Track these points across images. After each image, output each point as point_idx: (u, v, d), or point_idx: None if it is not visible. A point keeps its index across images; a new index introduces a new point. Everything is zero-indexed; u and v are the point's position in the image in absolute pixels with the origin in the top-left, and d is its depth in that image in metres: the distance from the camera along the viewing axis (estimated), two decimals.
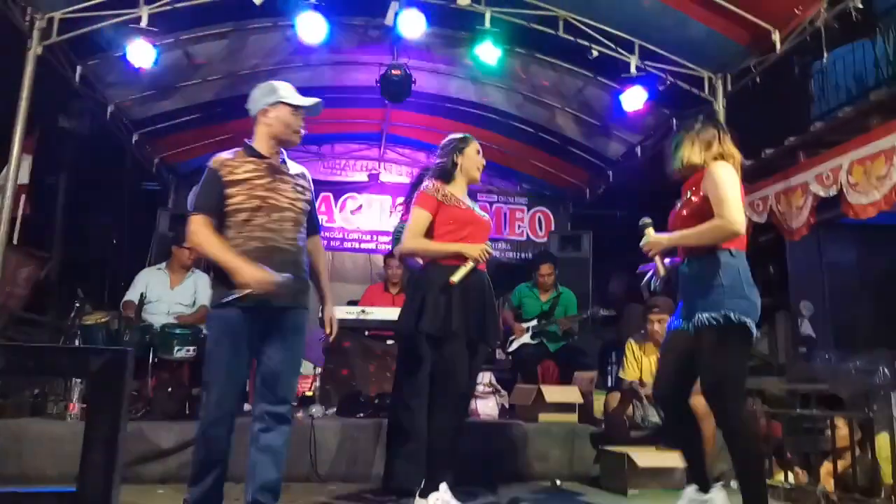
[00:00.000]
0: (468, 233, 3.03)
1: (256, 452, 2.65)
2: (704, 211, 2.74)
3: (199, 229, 2.62)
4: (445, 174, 3.15)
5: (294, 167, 2.85)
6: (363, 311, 5.26)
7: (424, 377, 3.30)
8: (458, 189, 3.14)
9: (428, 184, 3.15)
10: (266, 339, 2.67)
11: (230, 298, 2.53)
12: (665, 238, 2.92)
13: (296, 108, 2.75)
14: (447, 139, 3.26)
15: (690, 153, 2.90)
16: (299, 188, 2.79)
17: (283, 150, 2.80)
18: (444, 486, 2.90)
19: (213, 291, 2.69)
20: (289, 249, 2.69)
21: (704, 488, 2.91)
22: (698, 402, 3.99)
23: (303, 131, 2.79)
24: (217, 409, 2.60)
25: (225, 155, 2.72)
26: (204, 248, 2.63)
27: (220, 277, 2.62)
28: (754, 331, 2.70)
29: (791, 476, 4.27)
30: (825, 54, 4.65)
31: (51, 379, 4.50)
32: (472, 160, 3.17)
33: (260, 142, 2.75)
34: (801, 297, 7.20)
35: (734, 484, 4.28)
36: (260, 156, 2.73)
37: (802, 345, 7.02)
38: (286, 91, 2.77)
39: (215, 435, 2.62)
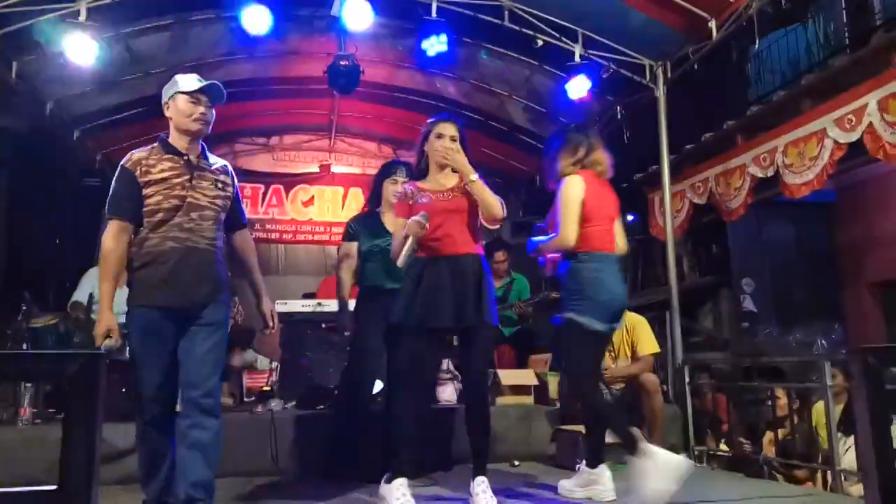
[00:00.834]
0: (439, 222, 3.00)
1: (186, 450, 2.60)
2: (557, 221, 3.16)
3: (107, 241, 2.62)
4: (416, 172, 3.24)
5: (215, 161, 2.83)
6: (319, 304, 5.27)
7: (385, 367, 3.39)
8: (432, 181, 3.14)
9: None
10: (186, 336, 2.65)
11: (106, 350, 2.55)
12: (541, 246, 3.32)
13: (190, 94, 2.70)
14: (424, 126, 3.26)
15: (562, 165, 3.25)
16: (220, 184, 2.77)
17: (202, 144, 2.78)
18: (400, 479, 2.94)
19: (131, 293, 2.66)
20: (207, 249, 2.69)
21: (592, 465, 3.23)
22: (647, 378, 4.18)
23: (205, 117, 2.73)
24: (151, 408, 2.62)
25: (139, 153, 2.68)
26: (101, 264, 2.64)
27: (139, 276, 2.64)
28: (597, 327, 3.07)
29: (734, 446, 4.50)
30: (758, 41, 4.84)
31: None
32: (432, 146, 3.13)
33: (173, 137, 2.73)
34: (743, 275, 7.51)
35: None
36: (177, 152, 2.70)
37: (745, 320, 7.33)
38: (183, 81, 2.74)
39: (155, 435, 2.66)
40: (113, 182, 2.68)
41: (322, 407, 4.53)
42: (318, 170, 8.33)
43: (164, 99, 2.76)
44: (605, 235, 3.19)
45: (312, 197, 8.21)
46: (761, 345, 6.78)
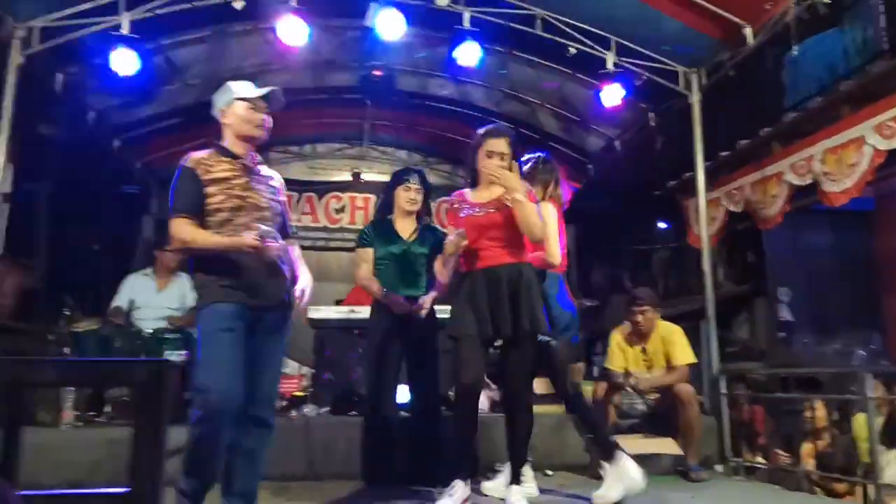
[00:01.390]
0: (474, 237, 3.14)
1: (236, 457, 2.56)
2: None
3: (183, 227, 2.57)
4: (469, 182, 3.39)
5: (266, 170, 2.86)
6: (352, 311, 5.31)
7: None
8: (479, 192, 3.25)
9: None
10: (252, 339, 2.61)
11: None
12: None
13: (251, 101, 2.73)
14: None
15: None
16: (273, 190, 2.81)
17: (254, 151, 2.81)
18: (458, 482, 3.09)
19: (201, 291, 2.64)
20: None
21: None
22: (682, 388, 4.13)
23: (266, 124, 2.77)
24: (220, 410, 2.43)
25: (199, 154, 2.69)
26: (195, 243, 2.58)
27: (209, 274, 2.60)
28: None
29: (770, 458, 4.42)
30: (795, 47, 4.78)
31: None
32: (482, 162, 3.19)
33: (231, 143, 2.75)
34: (779, 283, 7.36)
35: (719, 467, 4.44)
36: (233, 155, 2.72)
37: (781, 330, 7.19)
38: (240, 87, 2.76)
39: (215, 443, 2.47)
40: (175, 182, 2.65)
41: (355, 412, 4.57)
42: (349, 178, 8.41)
43: (220, 106, 2.76)
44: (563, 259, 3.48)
45: (344, 205, 8.29)
46: (798, 355, 6.65)
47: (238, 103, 2.72)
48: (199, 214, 2.61)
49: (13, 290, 5.42)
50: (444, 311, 3.72)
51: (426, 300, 3.72)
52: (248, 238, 2.53)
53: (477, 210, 3.18)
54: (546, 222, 3.24)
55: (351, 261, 8.10)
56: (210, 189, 2.62)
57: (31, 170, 6.46)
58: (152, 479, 0.76)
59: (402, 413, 3.96)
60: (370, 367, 3.86)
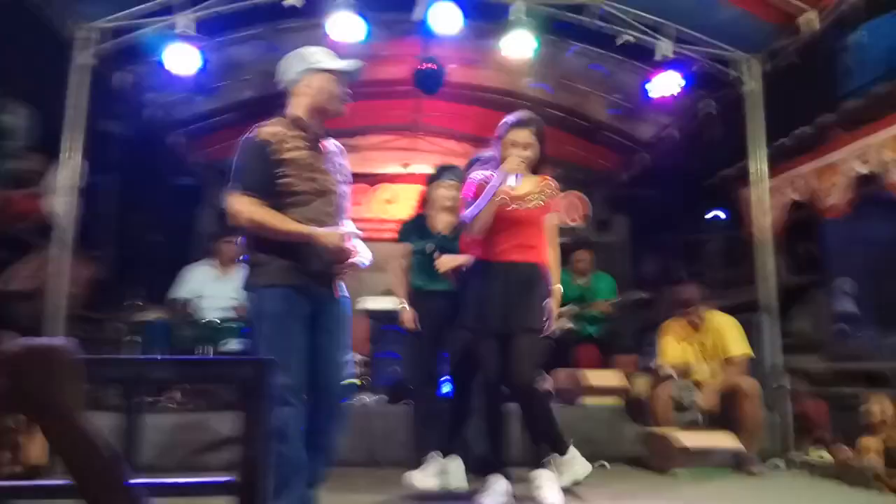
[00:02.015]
0: (500, 228, 3.15)
1: (309, 446, 2.41)
2: None
3: (248, 207, 2.35)
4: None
5: (333, 144, 2.66)
6: (403, 301, 5.38)
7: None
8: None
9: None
10: (317, 325, 2.48)
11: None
12: None
13: (336, 73, 2.50)
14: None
15: None
16: (341, 170, 2.64)
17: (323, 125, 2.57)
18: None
19: (264, 269, 2.43)
20: None
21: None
22: (745, 382, 4.07)
23: (348, 98, 2.56)
24: (295, 397, 2.32)
25: (272, 128, 2.44)
26: (263, 224, 2.36)
27: (270, 253, 2.41)
28: None
29: (833, 453, 4.32)
30: (859, 31, 4.62)
31: None
32: (507, 152, 3.20)
33: (306, 115, 2.50)
34: (839, 274, 7.15)
35: (779, 462, 4.37)
36: (309, 131, 2.50)
37: (842, 321, 6.99)
38: (321, 56, 2.51)
39: (291, 429, 2.30)
40: (241, 156, 2.44)
41: (409, 401, 4.65)
42: (400, 168, 8.48)
43: (292, 75, 2.51)
44: None
45: (394, 195, 8.37)
46: (860, 348, 6.47)
47: (320, 74, 2.48)
48: (268, 195, 2.38)
49: (85, 280, 5.64)
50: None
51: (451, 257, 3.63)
52: (335, 235, 2.39)
53: (511, 203, 3.15)
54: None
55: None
56: (282, 170, 2.40)
57: (97, 165, 6.73)
58: (258, 472, 0.82)
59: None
60: (412, 355, 3.96)
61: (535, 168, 3.22)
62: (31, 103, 6.54)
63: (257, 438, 0.84)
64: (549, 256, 3.23)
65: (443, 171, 4.03)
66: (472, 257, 3.36)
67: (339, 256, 2.45)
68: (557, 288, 3.23)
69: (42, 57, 5.24)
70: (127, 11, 4.76)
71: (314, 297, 2.48)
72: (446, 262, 3.63)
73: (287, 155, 2.42)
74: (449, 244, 3.84)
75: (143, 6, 4.76)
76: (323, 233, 2.40)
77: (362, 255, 2.64)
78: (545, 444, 3.20)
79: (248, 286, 2.49)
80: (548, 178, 3.24)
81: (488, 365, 3.13)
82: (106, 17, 4.74)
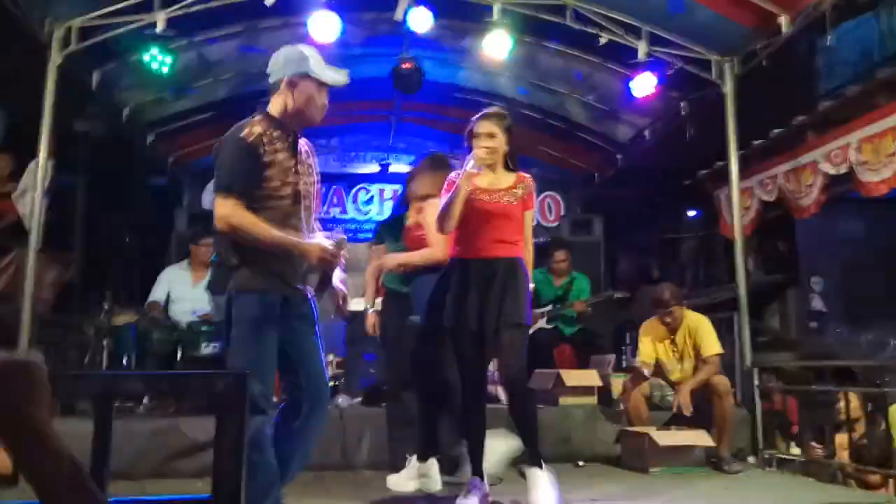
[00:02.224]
0: (477, 222, 3.12)
1: (289, 445, 2.42)
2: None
3: (236, 211, 2.29)
4: None
5: (303, 144, 2.61)
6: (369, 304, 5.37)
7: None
8: (486, 177, 3.16)
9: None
10: (293, 328, 2.47)
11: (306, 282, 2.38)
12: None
13: (323, 84, 2.48)
14: None
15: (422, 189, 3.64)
16: (311, 173, 2.59)
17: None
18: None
19: (241, 273, 2.37)
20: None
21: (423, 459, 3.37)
22: (718, 380, 4.12)
23: (325, 110, 2.53)
24: (267, 404, 2.33)
25: (258, 127, 2.39)
26: (250, 232, 2.30)
27: (246, 256, 2.35)
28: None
29: (805, 450, 4.40)
30: (829, 35, 4.69)
31: None
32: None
33: (285, 116, 2.46)
34: (811, 273, 7.30)
35: (752, 459, 4.44)
36: (287, 131, 2.46)
37: (814, 320, 7.13)
38: (316, 63, 2.47)
39: (265, 437, 2.30)
40: (229, 155, 2.37)
41: (384, 404, 4.64)
42: (378, 169, 8.45)
43: (288, 73, 2.45)
44: None
45: (372, 196, 8.34)
46: (831, 345, 6.59)
47: (311, 81, 2.45)
48: (252, 197, 2.34)
49: (53, 283, 5.54)
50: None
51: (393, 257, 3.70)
52: (325, 244, 2.36)
53: (488, 196, 3.10)
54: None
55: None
56: (268, 172, 2.37)
57: (67, 164, 6.61)
58: (235, 485, 0.81)
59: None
60: (388, 357, 3.94)
61: (511, 165, 3.18)
62: (2, 103, 6.44)
63: (233, 452, 0.83)
64: (529, 252, 3.18)
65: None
66: (426, 254, 3.49)
67: (322, 268, 2.43)
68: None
69: (14, 56, 5.15)
70: (102, 11, 4.67)
71: (289, 301, 2.46)
72: (389, 261, 3.66)
73: (271, 157, 2.39)
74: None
75: (118, 5, 4.67)
76: (308, 245, 2.37)
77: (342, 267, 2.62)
78: (532, 443, 3.07)
79: (221, 290, 2.42)
80: (525, 175, 3.20)
81: (472, 365, 3.09)
82: (80, 15, 4.64)
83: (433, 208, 3.29)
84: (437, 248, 3.41)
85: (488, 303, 3.00)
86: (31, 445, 0.75)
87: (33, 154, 4.69)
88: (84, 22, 4.66)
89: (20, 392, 0.75)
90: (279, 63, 2.51)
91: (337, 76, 2.51)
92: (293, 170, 2.46)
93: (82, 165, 7.01)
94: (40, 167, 4.56)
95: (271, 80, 2.52)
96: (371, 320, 3.82)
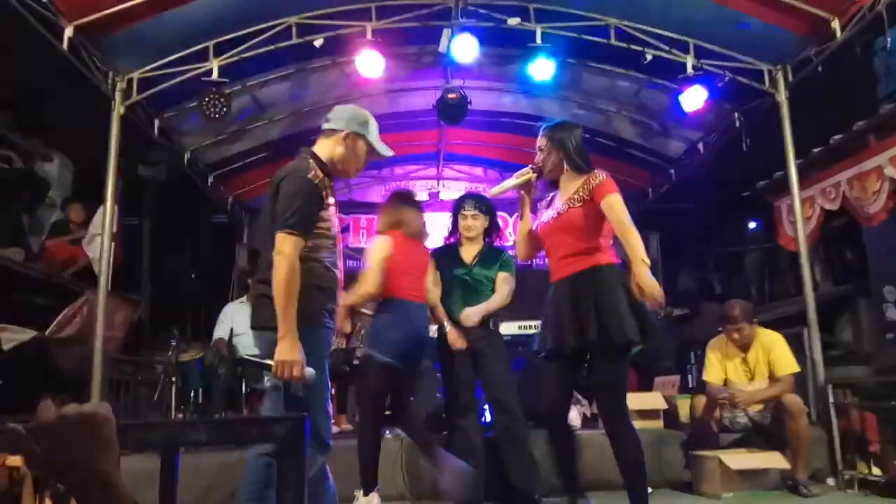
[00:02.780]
0: (547, 246, 3.09)
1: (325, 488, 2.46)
2: None
3: (295, 256, 2.32)
4: None
5: None
6: (438, 330, 5.38)
7: None
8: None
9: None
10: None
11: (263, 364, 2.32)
12: None
13: (372, 150, 2.64)
14: None
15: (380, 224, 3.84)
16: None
17: None
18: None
19: (312, 305, 2.38)
20: None
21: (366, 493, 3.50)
22: (790, 399, 3.95)
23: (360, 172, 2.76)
24: (329, 439, 2.42)
25: (317, 171, 2.46)
26: (291, 283, 2.29)
27: (309, 290, 2.36)
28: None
29: (888, 469, 4.17)
30: (888, 36, 4.55)
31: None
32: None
33: (329, 163, 2.57)
34: (884, 282, 6.96)
35: (830, 481, 4.24)
36: (330, 176, 2.58)
37: (889, 331, 6.78)
38: (374, 130, 2.65)
39: (324, 476, 2.42)
40: (298, 195, 2.38)
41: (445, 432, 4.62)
42: (427, 198, 8.52)
43: (346, 127, 2.58)
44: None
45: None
46: None
47: (363, 142, 2.61)
48: (311, 236, 2.42)
49: (123, 324, 5.78)
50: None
51: (472, 313, 3.69)
52: (303, 372, 2.28)
53: (548, 220, 3.04)
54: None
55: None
56: (325, 213, 2.48)
57: (131, 209, 6.93)
58: None
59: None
60: (445, 389, 3.93)
61: (575, 167, 3.02)
62: (71, 152, 6.81)
63: (295, 497, 0.85)
64: (627, 242, 2.77)
65: (463, 199, 4.05)
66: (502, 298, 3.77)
67: (279, 373, 2.30)
68: (641, 271, 2.69)
69: (81, 109, 5.45)
70: (160, 62, 4.91)
71: (331, 340, 2.54)
72: (474, 316, 3.70)
73: (328, 200, 2.50)
74: (476, 275, 3.84)
75: (175, 55, 4.90)
76: (291, 357, 2.25)
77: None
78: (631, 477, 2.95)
79: (273, 324, 2.31)
80: (592, 173, 2.95)
81: (552, 391, 3.01)
82: (140, 67, 4.89)
83: (376, 244, 3.64)
84: (366, 282, 3.51)
85: (572, 323, 2.82)
86: (98, 496, 0.78)
87: (101, 201, 4.93)
88: (143, 73, 4.91)
89: (88, 444, 0.78)
90: (345, 116, 2.62)
91: (386, 150, 2.70)
92: (336, 212, 2.61)
93: (147, 209, 7.34)
94: (107, 213, 4.77)
95: (330, 125, 2.61)
96: (453, 335, 3.79)
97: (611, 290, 2.79)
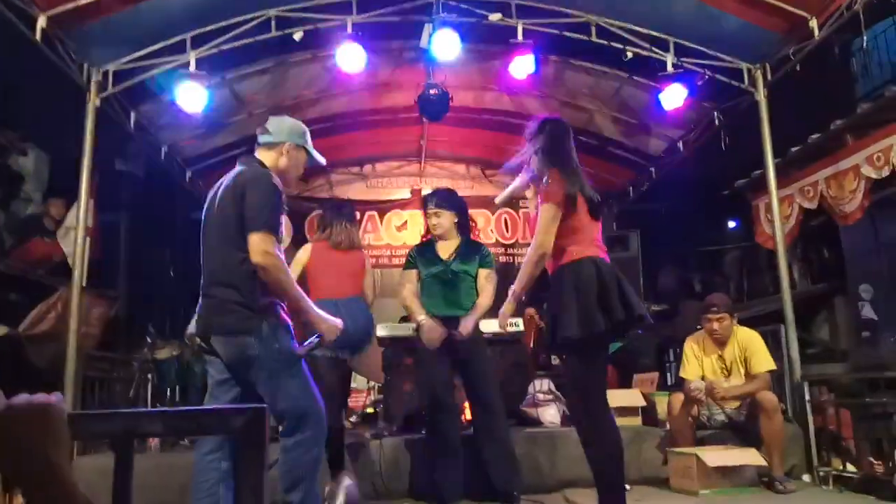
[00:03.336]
0: None
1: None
2: None
3: (278, 255, 2.46)
4: None
5: None
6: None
7: None
8: None
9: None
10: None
11: (308, 348, 2.59)
12: None
13: (310, 158, 2.86)
14: None
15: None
16: None
17: None
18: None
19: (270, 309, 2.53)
20: None
21: None
22: (765, 397, 3.99)
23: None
24: (325, 429, 2.57)
25: (276, 177, 2.61)
26: (283, 275, 2.48)
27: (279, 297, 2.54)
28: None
29: (862, 466, 4.21)
30: (864, 35, 4.59)
31: None
32: None
33: (273, 169, 2.69)
34: (860, 280, 7.03)
35: (806, 477, 4.27)
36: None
37: (865, 329, 6.86)
38: (310, 139, 2.86)
39: (321, 460, 2.62)
40: (266, 193, 2.52)
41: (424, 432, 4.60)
42: (409, 195, 8.50)
43: (288, 139, 2.73)
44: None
45: (405, 221, 8.37)
46: (884, 355, 6.33)
47: (303, 152, 2.80)
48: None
49: (99, 320, 5.68)
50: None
51: (467, 324, 3.70)
52: (333, 329, 2.64)
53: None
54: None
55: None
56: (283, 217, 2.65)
57: (108, 204, 6.82)
58: None
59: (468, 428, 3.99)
60: (423, 387, 3.91)
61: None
62: (46, 146, 6.68)
63: (251, 489, 0.82)
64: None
65: (426, 198, 4.10)
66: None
67: (323, 341, 2.65)
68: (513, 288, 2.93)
69: (56, 100, 5.35)
70: (137, 54, 4.83)
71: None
72: (426, 334, 3.76)
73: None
74: (455, 270, 3.82)
75: (152, 47, 4.83)
76: (323, 322, 2.62)
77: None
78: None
79: (247, 330, 2.46)
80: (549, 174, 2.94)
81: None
82: (116, 59, 4.81)
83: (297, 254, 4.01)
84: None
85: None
86: (47, 489, 0.75)
87: (77, 195, 4.84)
88: (119, 66, 4.82)
89: (38, 435, 0.75)
90: (285, 128, 2.78)
91: (321, 159, 2.91)
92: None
93: (124, 204, 7.23)
94: (81, 207, 4.69)
95: (270, 138, 2.76)
96: (426, 330, 3.76)
97: (555, 292, 2.87)
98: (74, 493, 0.75)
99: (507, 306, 2.98)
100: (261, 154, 2.75)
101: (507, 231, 8.48)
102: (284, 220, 2.65)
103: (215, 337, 2.53)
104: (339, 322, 2.69)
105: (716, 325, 4.22)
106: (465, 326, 3.68)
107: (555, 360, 6.15)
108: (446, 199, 3.96)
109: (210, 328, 2.54)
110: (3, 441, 0.76)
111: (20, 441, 0.76)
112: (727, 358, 4.26)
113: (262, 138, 2.78)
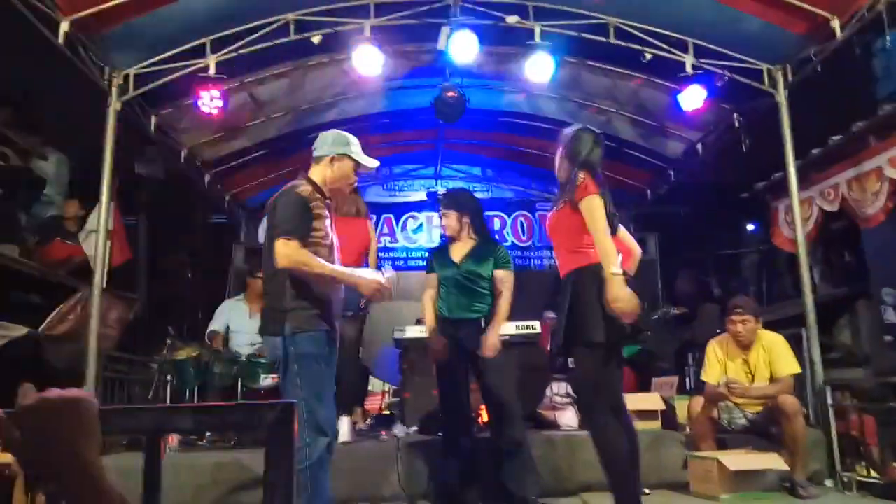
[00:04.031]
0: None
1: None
2: None
3: (299, 250, 2.69)
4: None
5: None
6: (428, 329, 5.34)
7: None
8: None
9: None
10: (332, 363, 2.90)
11: (363, 306, 2.80)
12: None
13: (358, 165, 3.02)
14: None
15: None
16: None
17: None
18: None
19: (295, 316, 2.73)
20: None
21: None
22: (786, 400, 3.93)
23: (354, 185, 3.15)
24: (330, 428, 2.71)
25: (307, 187, 2.87)
26: (310, 268, 2.71)
27: (303, 300, 2.74)
28: None
29: (886, 472, 4.14)
30: (888, 36, 4.51)
31: None
32: None
33: (322, 184, 2.96)
34: (883, 283, 6.93)
35: (829, 483, 4.21)
36: (324, 195, 2.96)
37: (887, 333, 6.75)
38: (356, 147, 3.02)
39: (327, 457, 2.72)
40: (287, 205, 2.78)
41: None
42: (425, 197, 8.51)
43: (330, 151, 2.96)
44: None
45: (421, 224, 8.39)
46: None
47: (349, 161, 2.98)
48: (304, 240, 2.75)
49: (118, 322, 5.72)
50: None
51: (492, 341, 3.64)
52: (380, 279, 2.87)
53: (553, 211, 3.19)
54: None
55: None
56: (316, 223, 2.81)
57: (129, 206, 6.88)
58: None
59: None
60: (440, 390, 3.89)
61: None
62: (67, 149, 6.76)
63: (283, 484, 0.82)
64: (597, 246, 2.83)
65: (437, 201, 4.09)
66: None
67: (375, 297, 2.90)
68: (612, 277, 2.73)
69: (77, 104, 5.41)
70: (157, 58, 4.88)
71: (331, 340, 2.87)
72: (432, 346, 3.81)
73: (318, 211, 2.84)
74: (468, 271, 3.79)
75: (173, 51, 4.87)
76: (364, 280, 2.87)
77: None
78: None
79: (276, 332, 2.75)
80: (579, 174, 2.92)
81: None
82: (137, 63, 4.86)
83: None
84: None
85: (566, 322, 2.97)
86: (79, 483, 0.75)
87: (98, 198, 4.89)
88: (140, 69, 4.87)
89: (70, 428, 0.76)
90: (328, 141, 3.00)
91: (371, 162, 3.07)
92: (331, 226, 2.95)
93: (144, 206, 7.30)
94: (102, 210, 4.73)
95: (317, 153, 3.00)
96: (439, 345, 3.76)
97: (578, 293, 2.91)
98: (104, 487, 0.76)
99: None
100: (312, 169, 2.99)
101: (524, 234, 8.46)
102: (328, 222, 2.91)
103: (263, 337, 2.90)
104: (376, 276, 2.91)
105: (739, 327, 4.17)
106: (491, 346, 3.60)
107: (572, 364, 6.12)
108: (452, 199, 3.94)
109: (262, 330, 2.89)
110: (34, 434, 0.76)
111: (52, 434, 0.76)
112: (751, 362, 4.21)
113: (314, 154, 3.02)
